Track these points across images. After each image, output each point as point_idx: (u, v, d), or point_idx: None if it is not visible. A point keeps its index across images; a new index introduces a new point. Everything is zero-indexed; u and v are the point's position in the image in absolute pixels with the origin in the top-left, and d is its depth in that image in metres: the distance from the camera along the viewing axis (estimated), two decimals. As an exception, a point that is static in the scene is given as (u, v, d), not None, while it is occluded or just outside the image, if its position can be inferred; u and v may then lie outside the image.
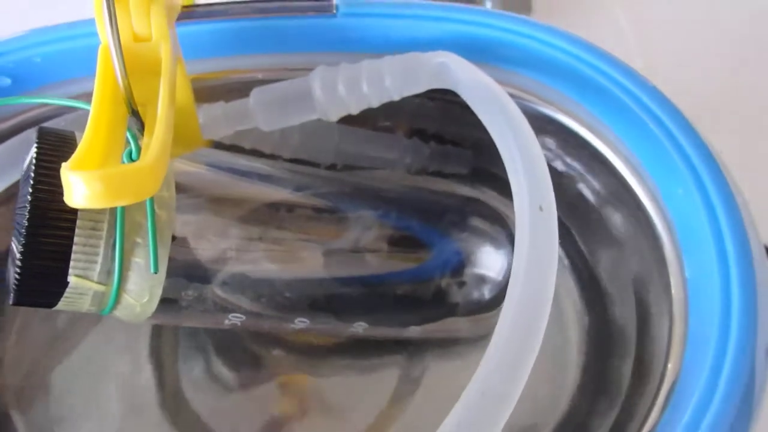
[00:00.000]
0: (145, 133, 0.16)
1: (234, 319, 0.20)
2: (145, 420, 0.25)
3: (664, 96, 0.21)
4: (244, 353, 0.26)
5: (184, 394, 0.25)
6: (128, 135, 0.16)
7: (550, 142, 0.25)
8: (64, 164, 0.13)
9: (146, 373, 0.25)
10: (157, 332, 0.26)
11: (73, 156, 0.13)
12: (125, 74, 0.15)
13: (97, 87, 0.15)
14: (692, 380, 0.20)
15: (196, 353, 0.26)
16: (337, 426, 0.25)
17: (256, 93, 0.21)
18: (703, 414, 0.18)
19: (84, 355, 0.26)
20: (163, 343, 0.26)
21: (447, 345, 0.27)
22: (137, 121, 0.16)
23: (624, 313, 0.25)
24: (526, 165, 0.17)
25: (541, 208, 0.17)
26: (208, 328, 0.26)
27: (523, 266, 0.16)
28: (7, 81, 0.22)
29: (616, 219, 0.25)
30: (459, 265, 0.24)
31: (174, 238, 0.18)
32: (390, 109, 0.27)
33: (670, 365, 0.21)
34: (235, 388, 0.26)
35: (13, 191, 0.19)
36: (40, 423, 0.25)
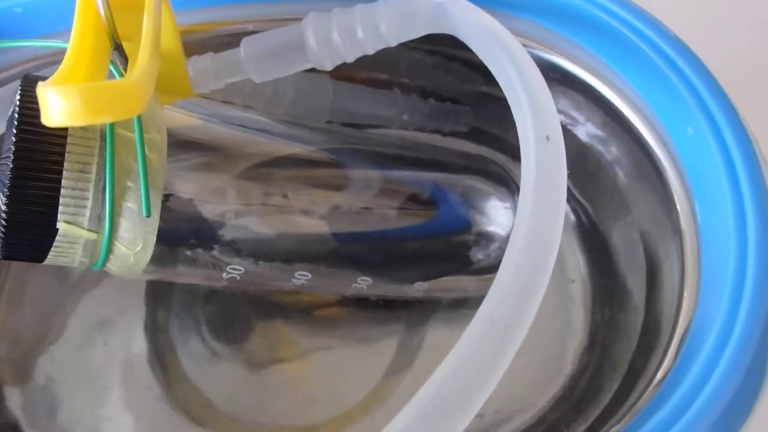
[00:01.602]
0: (129, 67, 0.15)
1: (233, 272, 0.20)
2: (140, 392, 0.24)
3: (668, 29, 0.21)
4: (240, 322, 0.26)
5: (180, 364, 0.25)
6: (113, 70, 0.15)
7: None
8: (41, 83, 0.12)
9: (141, 345, 0.25)
10: (151, 302, 0.26)
11: (51, 77, 0.13)
12: (107, 5, 0.15)
13: (78, 18, 0.14)
14: (705, 329, 0.19)
15: (192, 323, 0.25)
16: (335, 395, 0.25)
17: (246, 42, 0.21)
18: (715, 364, 0.18)
19: (77, 328, 0.25)
20: (158, 313, 0.26)
21: (450, 310, 0.26)
22: (121, 56, 0.15)
23: (632, 266, 0.25)
24: (529, 96, 0.16)
25: (547, 138, 0.16)
26: (203, 296, 0.26)
27: (531, 195, 0.15)
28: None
29: (619, 165, 0.24)
30: (465, 222, 0.23)
31: (169, 196, 0.18)
32: (387, 64, 0.26)
33: (681, 314, 0.20)
34: (231, 358, 0.25)
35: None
36: (34, 397, 0.24)
